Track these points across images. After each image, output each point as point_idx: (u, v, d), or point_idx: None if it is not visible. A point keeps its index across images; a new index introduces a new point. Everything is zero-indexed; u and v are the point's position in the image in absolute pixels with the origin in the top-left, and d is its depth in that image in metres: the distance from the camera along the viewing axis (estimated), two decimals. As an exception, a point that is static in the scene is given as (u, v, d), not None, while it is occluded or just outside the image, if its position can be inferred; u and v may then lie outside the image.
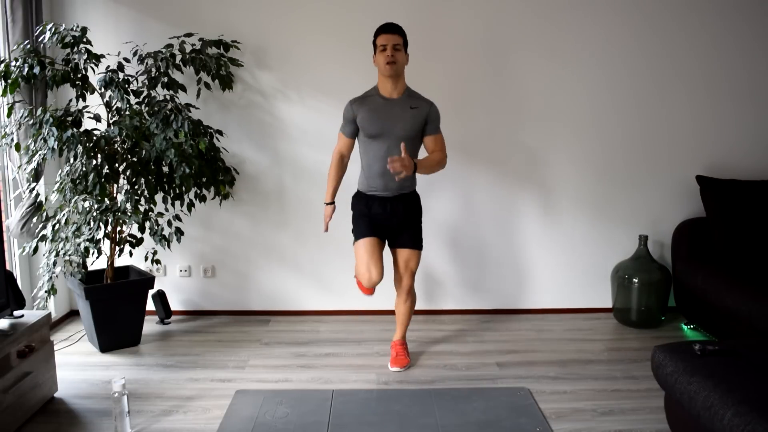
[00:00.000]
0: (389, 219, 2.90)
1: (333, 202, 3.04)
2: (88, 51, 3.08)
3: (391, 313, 3.58)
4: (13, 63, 2.94)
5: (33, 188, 3.16)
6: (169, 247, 3.24)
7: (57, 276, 3.04)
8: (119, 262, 3.49)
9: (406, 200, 2.92)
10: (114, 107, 3.20)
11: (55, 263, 3.00)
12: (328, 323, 3.65)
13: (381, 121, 2.78)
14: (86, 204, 2.97)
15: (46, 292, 3.02)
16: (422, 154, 2.96)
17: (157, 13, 3.52)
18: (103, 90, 3.13)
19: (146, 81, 3.25)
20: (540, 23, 3.57)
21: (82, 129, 3.03)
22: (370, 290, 3.03)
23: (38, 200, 3.21)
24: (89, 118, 3.17)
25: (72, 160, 3.02)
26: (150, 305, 3.51)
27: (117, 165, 3.10)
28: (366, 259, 2.84)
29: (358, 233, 2.91)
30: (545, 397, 2.70)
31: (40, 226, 3.15)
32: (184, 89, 3.34)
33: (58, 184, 3.07)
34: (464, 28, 3.56)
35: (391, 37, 2.74)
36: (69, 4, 3.52)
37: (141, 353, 3.21)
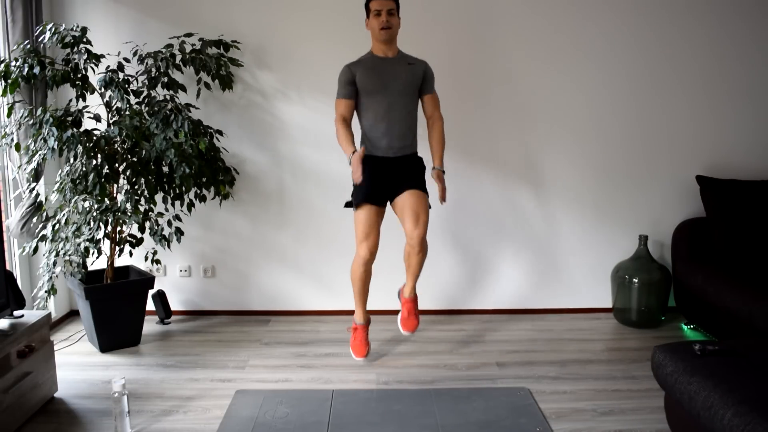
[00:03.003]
0: (391, 177, 2.87)
1: (356, 150, 2.75)
2: (88, 51, 3.08)
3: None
4: (13, 63, 2.95)
5: (33, 188, 3.16)
6: (169, 247, 3.25)
7: (57, 276, 3.04)
8: (119, 262, 3.49)
9: (407, 161, 2.93)
10: (114, 107, 3.20)
11: (55, 263, 3.00)
12: (328, 323, 3.65)
13: (380, 76, 2.82)
14: (86, 204, 2.97)
15: (46, 292, 3.02)
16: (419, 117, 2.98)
17: (157, 13, 3.52)
18: (103, 90, 3.13)
19: (146, 81, 3.25)
20: (540, 23, 3.57)
21: (82, 129, 3.03)
22: (362, 349, 3.02)
23: (38, 200, 3.21)
24: (89, 118, 3.17)
25: (72, 160, 3.02)
26: (150, 305, 3.51)
27: (117, 165, 3.10)
28: (365, 229, 2.84)
29: (358, 198, 2.85)
30: (545, 397, 2.70)
31: (40, 226, 3.15)
32: (184, 89, 3.34)
33: (58, 184, 3.07)
34: (465, 31, 3.56)
35: (385, 2, 2.79)
36: (69, 4, 3.52)
37: (141, 353, 3.21)
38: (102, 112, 3.33)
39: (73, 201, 2.99)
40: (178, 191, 3.26)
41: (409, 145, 2.93)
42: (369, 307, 3.54)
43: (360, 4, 3.48)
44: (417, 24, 3.40)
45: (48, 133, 2.90)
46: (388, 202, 2.95)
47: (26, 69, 2.93)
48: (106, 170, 3.01)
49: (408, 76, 2.85)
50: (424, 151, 3.03)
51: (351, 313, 3.73)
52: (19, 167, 3.20)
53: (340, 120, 2.87)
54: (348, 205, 2.93)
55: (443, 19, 3.55)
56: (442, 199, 2.85)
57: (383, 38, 2.82)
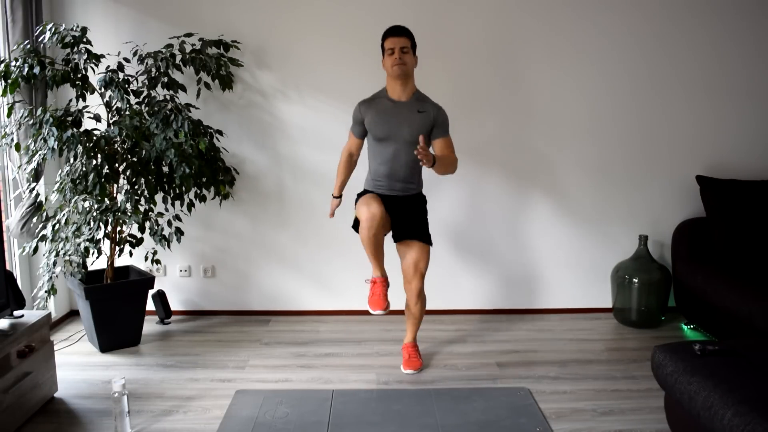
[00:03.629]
0: (394, 210, 2.86)
1: (340, 197, 3.09)
2: (88, 51, 3.08)
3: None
4: (13, 63, 2.95)
5: (33, 188, 3.16)
6: (169, 247, 3.25)
7: (57, 276, 3.04)
8: (119, 262, 3.49)
9: (411, 200, 2.93)
10: (114, 107, 3.20)
11: (55, 263, 3.00)
12: (328, 323, 3.65)
13: (388, 124, 2.80)
14: (86, 204, 2.97)
15: (46, 292, 3.02)
16: None
17: (157, 13, 3.52)
18: (103, 90, 3.13)
19: (146, 81, 3.25)
20: (540, 25, 3.57)
21: (82, 129, 3.03)
22: (381, 302, 2.82)
23: (38, 200, 3.21)
24: (89, 118, 3.17)
25: (72, 160, 3.02)
26: (150, 305, 3.51)
27: (117, 165, 3.10)
28: (367, 200, 2.75)
29: (362, 193, 2.94)
30: (545, 397, 2.70)
31: (40, 226, 3.15)
32: (184, 89, 3.34)
33: (58, 184, 3.07)
34: (468, 32, 3.56)
35: (398, 40, 2.75)
36: (69, 4, 3.52)
37: (141, 353, 3.21)
38: (102, 112, 3.33)
39: (73, 201, 2.99)
40: (178, 191, 3.26)
41: (414, 187, 2.93)
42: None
43: (360, 3, 3.49)
44: (422, 25, 3.40)
45: (48, 133, 2.90)
46: (391, 235, 2.94)
47: (26, 69, 2.93)
48: (106, 170, 3.01)
49: (416, 125, 2.78)
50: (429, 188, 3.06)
51: (351, 313, 3.74)
52: (19, 167, 3.20)
53: (346, 153, 3.02)
54: (355, 226, 2.92)
55: (449, 22, 3.54)
56: (419, 151, 2.56)
57: (396, 74, 2.76)
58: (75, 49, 3.06)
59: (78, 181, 2.98)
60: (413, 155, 2.79)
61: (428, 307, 3.65)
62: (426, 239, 2.90)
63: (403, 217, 2.89)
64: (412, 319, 3.03)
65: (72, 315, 3.75)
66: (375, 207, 2.71)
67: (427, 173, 2.96)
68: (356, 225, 2.89)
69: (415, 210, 2.94)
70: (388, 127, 2.80)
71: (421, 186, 2.99)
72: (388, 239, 2.93)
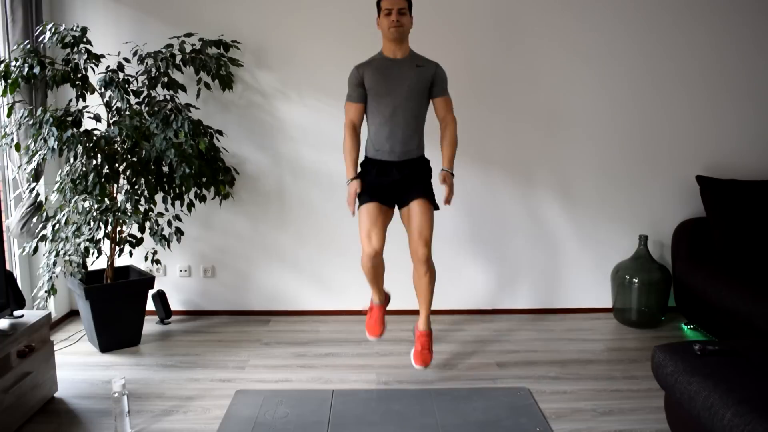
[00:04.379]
0: (397, 182, 2.82)
1: (357, 177, 2.81)
2: (88, 51, 3.08)
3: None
4: (13, 63, 2.95)
5: (33, 188, 3.16)
6: (169, 247, 3.25)
7: (57, 276, 3.03)
8: (119, 262, 3.49)
9: (413, 164, 2.87)
10: (114, 107, 3.20)
11: (55, 263, 3.00)
12: (328, 323, 3.65)
13: (387, 79, 2.77)
14: (86, 204, 2.97)
15: (46, 292, 3.02)
16: (429, 117, 2.92)
17: (157, 13, 3.52)
18: (103, 90, 3.13)
19: (146, 81, 3.26)
20: (539, 25, 3.57)
21: (82, 129, 3.03)
22: (377, 329, 2.96)
23: (38, 200, 3.21)
24: (89, 118, 3.17)
25: (72, 160, 3.02)
26: (150, 305, 3.51)
27: (117, 165, 3.10)
28: (367, 225, 2.75)
29: (362, 197, 2.82)
30: (545, 397, 2.70)
31: (40, 226, 3.15)
32: (184, 89, 3.34)
33: (58, 184, 3.07)
34: (469, 33, 3.56)
35: (397, 1, 2.73)
36: (69, 4, 3.52)
37: (141, 353, 3.21)
38: (102, 112, 3.32)
39: (73, 201, 2.99)
40: (178, 191, 3.26)
41: (415, 149, 2.85)
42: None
43: (361, 3, 3.49)
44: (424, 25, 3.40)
45: (48, 133, 2.90)
46: (396, 207, 2.90)
47: (26, 69, 2.93)
48: (106, 170, 3.01)
49: (415, 79, 2.78)
50: (432, 155, 2.97)
51: (351, 312, 3.74)
52: (19, 167, 3.20)
53: (348, 127, 2.84)
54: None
55: (450, 21, 3.54)
56: (447, 201, 2.79)
57: (393, 36, 2.75)
58: (75, 49, 3.06)
59: (78, 181, 2.98)
60: (412, 113, 2.79)
61: (436, 276, 3.63)
62: (431, 198, 2.82)
63: (407, 183, 2.83)
64: (422, 295, 2.86)
65: (72, 315, 3.75)
66: (376, 240, 2.72)
67: (428, 143, 2.95)
68: (360, 201, 2.83)
69: (419, 173, 2.87)
70: (386, 82, 2.76)
71: (422, 148, 2.90)
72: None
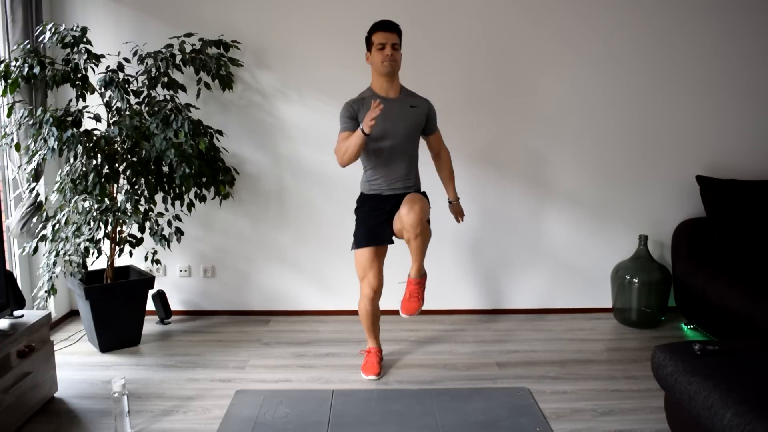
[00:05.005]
0: (392, 209, 2.75)
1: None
2: (88, 51, 3.08)
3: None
4: (13, 63, 2.95)
5: (33, 188, 3.16)
6: (169, 247, 3.25)
7: (57, 276, 3.04)
8: (119, 262, 3.48)
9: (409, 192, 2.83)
10: (114, 107, 3.20)
11: (55, 263, 3.00)
12: (328, 323, 3.65)
13: (383, 121, 2.69)
14: (86, 204, 2.97)
15: (46, 292, 3.02)
16: (422, 149, 2.92)
17: (157, 13, 3.52)
18: (103, 90, 3.13)
19: (146, 81, 3.26)
20: (540, 26, 3.57)
21: (82, 129, 3.03)
22: (374, 368, 2.91)
23: (38, 200, 3.21)
24: (89, 118, 3.17)
25: (72, 160, 3.02)
26: (150, 305, 3.51)
27: (117, 165, 3.10)
28: (365, 268, 2.81)
29: (358, 240, 2.81)
30: (545, 397, 2.70)
31: (40, 226, 3.15)
32: (184, 89, 3.34)
33: (58, 184, 3.07)
34: (466, 34, 3.56)
35: (390, 36, 2.68)
36: (69, 4, 3.52)
37: (141, 353, 3.21)
38: (102, 112, 3.32)
39: (73, 201, 2.99)
40: (178, 191, 3.26)
41: (412, 184, 2.84)
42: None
43: (360, 3, 3.49)
44: (419, 27, 3.40)
45: (48, 133, 2.90)
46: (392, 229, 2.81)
47: (26, 69, 2.93)
48: (106, 170, 3.01)
49: (411, 120, 2.75)
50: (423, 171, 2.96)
51: (351, 312, 3.74)
52: (19, 167, 3.20)
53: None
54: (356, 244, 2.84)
55: (445, 23, 3.54)
56: (459, 220, 3.06)
57: (386, 71, 2.68)
58: (75, 49, 3.06)
59: (78, 181, 2.98)
60: (409, 152, 2.80)
61: (428, 306, 3.65)
62: (417, 190, 2.83)
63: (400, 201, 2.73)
64: (415, 249, 2.64)
65: (72, 315, 3.75)
66: (374, 281, 2.78)
67: (424, 172, 2.97)
68: (356, 244, 2.83)
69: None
70: (383, 125, 2.69)
71: (419, 183, 2.90)
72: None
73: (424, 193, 2.90)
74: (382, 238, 2.77)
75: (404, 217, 2.58)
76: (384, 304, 3.55)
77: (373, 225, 2.79)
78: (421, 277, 2.72)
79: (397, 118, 2.74)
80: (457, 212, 3.06)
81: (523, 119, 3.66)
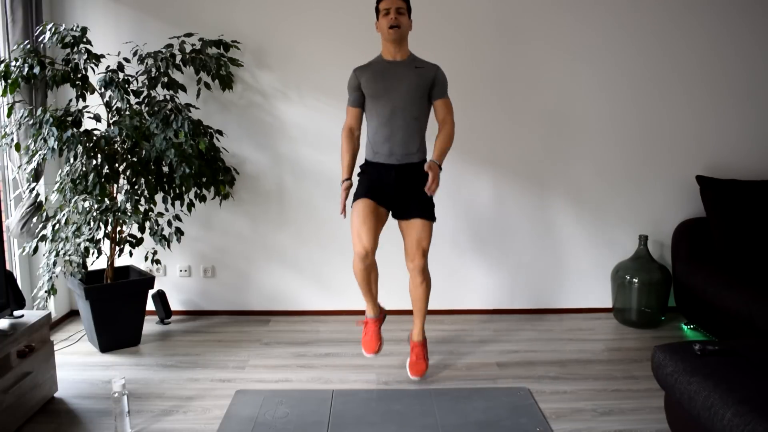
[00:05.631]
0: (396, 188, 2.77)
1: (350, 179, 2.82)
2: (88, 51, 3.08)
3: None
4: (13, 63, 2.95)
5: (33, 188, 3.16)
6: (169, 247, 3.25)
7: (57, 276, 3.04)
8: (119, 262, 3.49)
9: (414, 169, 2.78)
10: (114, 107, 3.20)
11: (55, 263, 3.00)
12: (328, 323, 3.65)
13: (385, 80, 2.73)
14: (86, 204, 2.97)
15: (46, 292, 3.02)
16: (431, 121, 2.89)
17: (157, 13, 3.52)
18: (103, 90, 3.13)
19: (146, 81, 3.26)
20: (539, 26, 3.57)
21: (82, 129, 3.03)
22: (373, 344, 2.88)
23: (38, 200, 3.21)
24: (89, 118, 3.17)
25: (72, 160, 3.02)
26: (150, 305, 3.51)
27: (117, 165, 3.10)
28: (358, 225, 2.67)
29: (357, 194, 2.78)
30: (545, 397, 2.70)
31: (40, 226, 3.15)
32: (184, 89, 3.34)
33: (58, 184, 3.07)
34: (468, 33, 3.56)
35: (394, 1, 2.70)
36: (69, 4, 3.52)
37: (141, 353, 3.21)
38: (102, 112, 3.33)
39: (73, 201, 2.99)
40: (178, 191, 3.26)
41: (415, 153, 2.79)
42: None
43: (360, 3, 3.49)
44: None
45: (48, 133, 2.90)
46: (391, 214, 2.84)
47: (26, 69, 2.93)
48: (106, 170, 3.01)
49: (414, 80, 2.73)
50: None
51: (351, 312, 3.74)
52: (19, 167, 3.20)
53: (346, 130, 2.85)
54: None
55: (452, 23, 3.55)
56: (429, 190, 2.62)
57: (392, 37, 2.70)
58: (75, 49, 3.06)
59: (78, 181, 2.98)
60: (412, 115, 2.75)
61: (430, 306, 3.66)
62: (429, 216, 2.77)
63: (406, 193, 2.77)
64: (417, 304, 2.85)
65: (72, 315, 3.75)
66: (366, 240, 2.64)
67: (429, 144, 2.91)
68: (354, 198, 2.80)
69: (419, 183, 2.73)
70: (384, 84, 2.72)
71: (424, 153, 2.83)
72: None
73: (431, 202, 2.81)
74: (382, 199, 2.76)
75: (409, 259, 2.78)
76: (386, 304, 3.56)
77: (375, 187, 2.78)
78: (424, 338, 2.93)
79: (399, 76, 2.74)
80: (431, 171, 2.62)
81: (523, 119, 3.66)
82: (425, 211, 2.77)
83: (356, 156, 2.86)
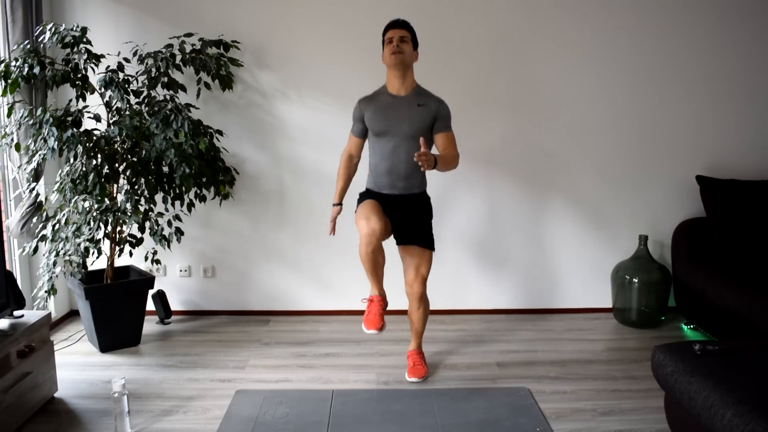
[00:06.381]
0: (396, 212, 2.79)
1: (340, 204, 2.98)
2: (88, 51, 3.08)
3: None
4: (13, 63, 2.95)
5: (33, 188, 3.16)
6: (169, 247, 3.25)
7: (57, 276, 3.04)
8: (119, 262, 3.49)
9: (413, 199, 2.84)
10: (114, 107, 3.20)
11: (55, 263, 3.00)
12: (328, 323, 3.65)
13: (387, 118, 2.74)
14: (86, 204, 2.97)
15: (46, 292, 3.02)
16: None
17: (157, 13, 3.52)
18: (103, 90, 3.13)
19: (146, 81, 3.26)
20: (540, 27, 3.57)
21: (82, 129, 3.03)
22: (376, 321, 2.78)
23: (38, 200, 3.21)
24: (89, 118, 3.17)
25: (72, 160, 3.02)
26: (150, 305, 3.51)
27: (117, 165, 3.10)
28: (366, 212, 2.65)
29: (362, 199, 2.83)
30: (545, 397, 2.70)
31: (40, 226, 3.15)
32: (184, 89, 3.34)
33: (58, 184, 3.07)
34: (469, 36, 3.56)
35: (397, 31, 2.74)
36: (69, 4, 3.52)
37: (141, 353, 3.21)
38: (102, 112, 3.33)
39: (73, 201, 2.99)
40: (178, 191, 3.26)
41: (416, 186, 2.83)
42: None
43: (360, 3, 3.49)
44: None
45: (48, 133, 2.90)
46: (393, 236, 2.86)
47: (26, 69, 2.93)
48: (106, 170, 3.01)
49: (416, 118, 2.73)
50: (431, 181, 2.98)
51: (351, 312, 3.74)
52: (19, 167, 3.20)
53: (345, 156, 2.95)
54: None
55: (447, 24, 3.55)
56: (418, 154, 2.48)
57: (394, 63, 2.70)
58: (75, 49, 3.06)
59: (78, 181, 2.98)
60: (414, 150, 2.71)
61: (429, 306, 3.66)
62: (428, 245, 2.83)
63: (406, 220, 2.81)
64: (415, 325, 2.94)
65: (72, 315, 3.75)
66: (375, 222, 2.59)
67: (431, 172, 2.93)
68: (359, 202, 2.84)
69: (418, 212, 2.85)
70: (387, 122, 2.74)
71: (424, 185, 2.90)
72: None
73: (429, 214, 2.88)
74: (384, 206, 2.76)
75: (408, 285, 2.84)
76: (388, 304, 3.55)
77: (379, 199, 2.81)
78: (421, 349, 3.01)
79: (401, 115, 2.74)
80: (425, 156, 2.51)
81: (523, 119, 3.66)
82: (425, 240, 2.83)
83: (350, 181, 2.99)
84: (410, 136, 2.74)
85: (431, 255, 2.85)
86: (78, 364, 3.06)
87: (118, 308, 3.20)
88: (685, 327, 3.55)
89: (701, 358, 2.05)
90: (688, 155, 3.71)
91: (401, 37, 2.72)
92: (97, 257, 3.12)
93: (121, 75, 3.17)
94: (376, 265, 2.71)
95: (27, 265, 3.43)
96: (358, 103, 2.85)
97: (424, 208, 2.89)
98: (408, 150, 2.75)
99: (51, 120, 2.91)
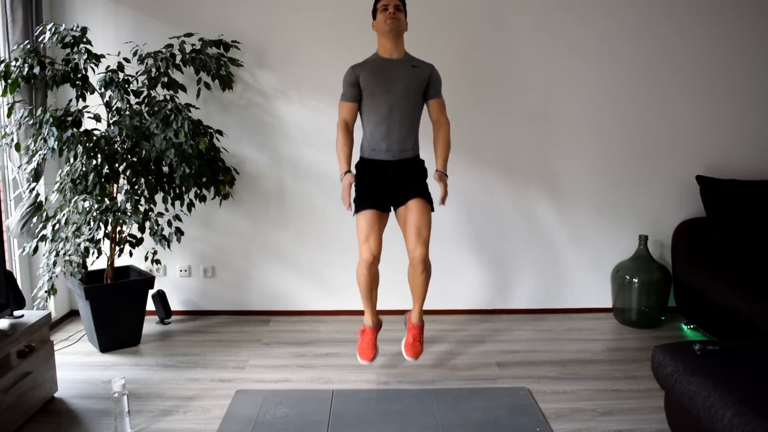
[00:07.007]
0: (393, 182, 2.85)
1: (350, 170, 2.82)
2: (88, 51, 3.08)
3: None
4: (13, 63, 2.95)
5: (33, 188, 3.16)
6: (169, 247, 3.25)
7: (57, 276, 3.04)
8: (119, 262, 3.49)
9: (409, 164, 2.88)
10: (114, 107, 3.20)
11: (55, 263, 3.00)
12: (328, 323, 3.65)
13: (384, 77, 2.79)
14: (86, 204, 2.97)
15: (46, 292, 3.02)
16: (423, 118, 2.95)
17: (157, 13, 3.52)
18: (103, 90, 3.13)
19: (146, 81, 3.25)
20: (539, 26, 3.57)
21: (82, 129, 3.03)
22: (369, 352, 2.88)
23: (38, 200, 3.21)
24: (89, 118, 3.17)
25: (72, 160, 3.02)
26: (150, 305, 3.51)
27: (117, 165, 3.10)
28: (365, 231, 2.76)
29: (360, 204, 2.83)
30: (545, 397, 2.70)
31: (40, 226, 3.15)
32: (184, 89, 3.34)
33: (58, 184, 3.07)
34: (465, 34, 3.56)
35: (392, 0, 2.80)
36: (69, 4, 3.52)
37: (141, 353, 3.21)
38: (102, 112, 3.33)
39: (73, 201, 2.99)
40: (178, 191, 3.26)
41: (410, 149, 2.88)
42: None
43: (360, 3, 3.49)
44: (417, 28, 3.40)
45: (48, 133, 2.90)
46: (392, 208, 2.90)
47: (26, 69, 2.93)
48: (106, 170, 3.01)
49: (411, 79, 2.81)
50: (425, 155, 2.98)
51: (351, 312, 3.74)
52: (19, 167, 3.20)
53: (341, 125, 2.85)
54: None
55: (445, 21, 3.55)
56: (442, 201, 2.81)
57: (389, 28, 2.76)
58: (75, 49, 3.06)
59: (78, 181, 2.98)
60: (408, 113, 2.82)
61: (429, 306, 3.66)
62: (427, 198, 2.83)
63: (402, 184, 2.85)
64: (417, 290, 2.88)
65: (72, 315, 3.75)
66: (374, 244, 2.73)
67: (423, 142, 2.97)
68: (357, 209, 2.83)
69: (414, 174, 2.89)
70: (383, 82, 2.79)
71: (417, 149, 2.92)
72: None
73: (424, 172, 2.92)
74: (382, 203, 2.85)
75: (411, 250, 2.79)
76: (386, 304, 3.56)
77: (375, 190, 2.85)
78: (422, 321, 2.96)
79: (397, 75, 2.80)
80: (441, 182, 2.82)
81: (523, 119, 3.66)
82: (423, 192, 2.85)
83: (353, 148, 2.88)
84: (405, 96, 2.80)
85: (430, 215, 2.83)
86: (78, 364, 3.06)
87: (118, 308, 3.20)
88: (685, 327, 3.55)
89: (701, 358, 2.05)
90: (688, 155, 3.71)
91: (396, 5, 2.79)
92: (97, 257, 3.12)
93: (121, 75, 3.17)
94: (372, 286, 2.86)
95: (27, 265, 3.43)
96: (350, 68, 2.85)
97: (420, 170, 2.94)
98: (403, 111, 2.81)
99: (51, 120, 2.91)
